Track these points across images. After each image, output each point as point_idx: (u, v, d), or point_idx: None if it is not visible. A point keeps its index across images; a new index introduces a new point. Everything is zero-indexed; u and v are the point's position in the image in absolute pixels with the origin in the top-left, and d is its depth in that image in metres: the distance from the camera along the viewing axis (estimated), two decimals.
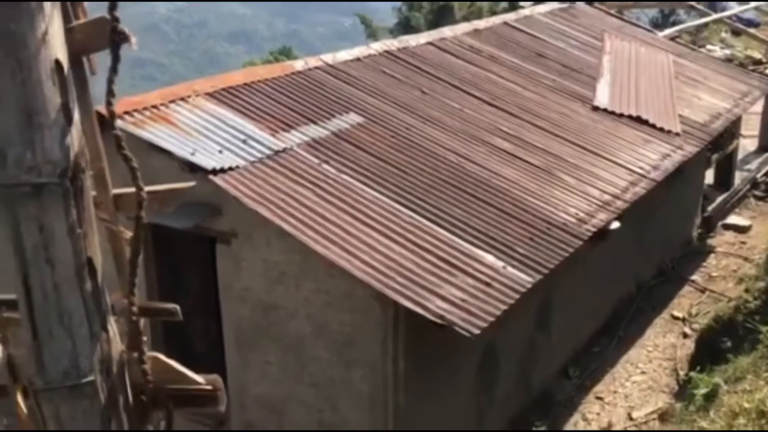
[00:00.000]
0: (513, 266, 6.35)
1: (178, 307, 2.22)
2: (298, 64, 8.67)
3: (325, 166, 6.96)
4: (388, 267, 5.91)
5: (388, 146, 7.59)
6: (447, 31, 10.94)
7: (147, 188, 1.91)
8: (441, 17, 43.23)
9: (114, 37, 1.80)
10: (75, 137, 1.75)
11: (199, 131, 6.88)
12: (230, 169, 6.48)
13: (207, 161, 6.46)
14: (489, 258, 6.34)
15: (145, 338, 1.99)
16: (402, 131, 7.95)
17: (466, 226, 6.66)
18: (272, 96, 7.80)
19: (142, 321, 2.01)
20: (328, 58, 8.97)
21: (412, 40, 10.24)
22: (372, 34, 46.31)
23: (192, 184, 2.46)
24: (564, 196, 7.66)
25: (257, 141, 6.97)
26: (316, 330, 6.52)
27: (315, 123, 7.60)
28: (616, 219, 7.68)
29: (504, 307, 5.85)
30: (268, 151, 6.88)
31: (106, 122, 1.95)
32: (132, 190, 1.91)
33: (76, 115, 1.78)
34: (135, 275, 1.91)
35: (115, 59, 1.83)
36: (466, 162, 7.73)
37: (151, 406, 2.00)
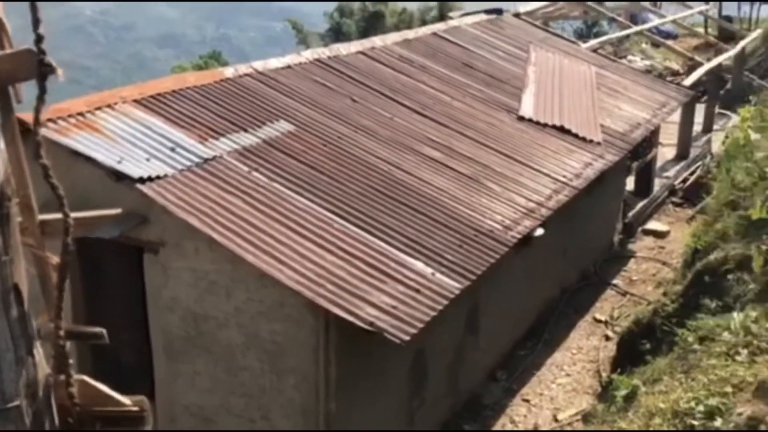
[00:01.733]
0: (442, 273, 6.46)
1: (104, 331, 2.20)
2: (228, 71, 8.61)
3: (256, 174, 6.94)
4: (319, 275, 5.93)
5: (319, 154, 7.62)
6: (377, 41, 11.03)
7: (74, 215, 1.89)
8: (372, 24, 43.54)
9: (41, 69, 1.79)
10: (0, 165, 1.72)
11: (127, 139, 6.76)
12: (158, 177, 6.39)
13: (134, 169, 6.36)
14: (418, 265, 6.43)
15: (71, 361, 1.96)
16: (333, 139, 7.98)
17: (396, 234, 6.74)
18: (201, 103, 7.72)
19: (68, 342, 1.98)
20: (259, 65, 8.94)
21: (343, 49, 10.29)
22: (303, 40, 46.19)
23: (118, 211, 2.43)
24: (491, 204, 7.83)
25: (186, 149, 6.89)
26: (247, 339, 6.49)
27: (245, 131, 7.56)
28: (540, 226, 7.89)
29: (433, 313, 5.94)
30: (196, 159, 6.81)
31: (33, 143, 1.92)
32: (59, 216, 1.89)
33: (1, 144, 1.75)
34: (62, 300, 1.88)
35: (42, 90, 1.81)
36: (397, 170, 7.81)
37: (78, 428, 1.98)
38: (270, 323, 6.35)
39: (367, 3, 44.26)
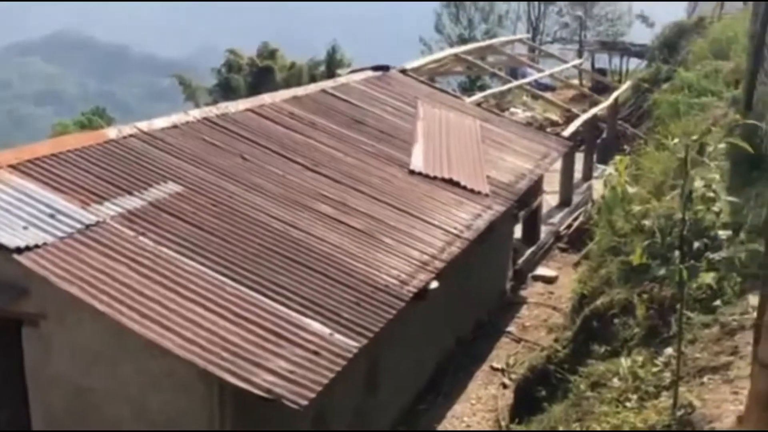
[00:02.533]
0: (340, 332, 6.37)
1: None
2: (112, 132, 8.35)
3: (142, 238, 6.69)
4: (212, 342, 5.73)
5: (209, 215, 7.44)
6: (267, 98, 11.01)
7: None
8: (261, 79, 43.57)
9: None
10: None
11: (2, 207, 6.39)
12: (37, 246, 6.05)
13: (10, 239, 6.00)
14: (316, 326, 6.33)
15: None
16: (223, 199, 7.83)
17: (292, 294, 6.62)
18: (83, 167, 7.42)
19: None
20: (144, 125, 8.72)
21: (232, 107, 10.21)
22: (191, 95, 45.66)
23: None
24: (386, 259, 7.85)
25: (66, 215, 6.58)
26: (135, 413, 6.15)
27: (130, 194, 7.31)
28: (434, 278, 7.97)
29: (331, 376, 5.83)
30: (78, 226, 6.51)
31: None
32: None
33: None
34: None
35: None
36: (291, 228, 7.73)
37: None
38: (159, 395, 6.05)
39: (256, 59, 44.39)
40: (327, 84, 12.88)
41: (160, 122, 8.92)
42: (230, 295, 6.31)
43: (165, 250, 6.63)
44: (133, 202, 7.16)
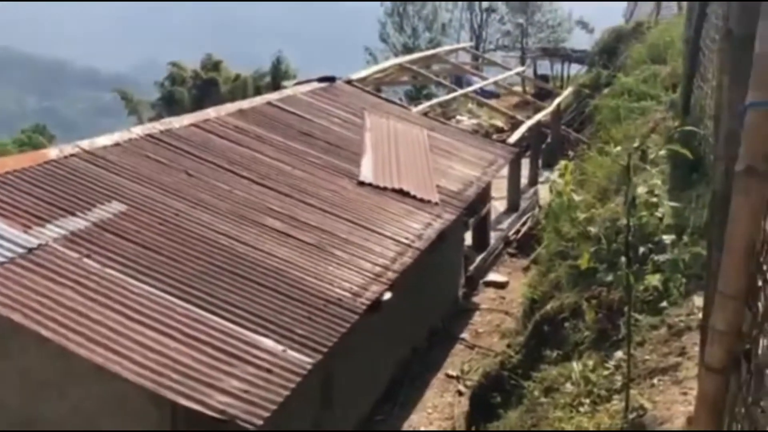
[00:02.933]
0: (293, 348, 6.31)
1: None
2: (52, 153, 8.14)
3: (87, 260, 6.53)
4: (163, 365, 5.61)
5: (156, 234, 7.31)
6: (211, 112, 10.89)
7: None
8: (205, 92, 43.17)
9: None
10: None
11: None
12: None
13: None
14: (268, 343, 6.26)
15: None
16: (170, 217, 7.70)
17: (243, 312, 6.53)
18: (23, 188, 7.22)
19: None
20: (85, 144, 8.53)
21: (176, 122, 10.06)
22: (134, 110, 44.98)
23: None
24: (338, 272, 7.81)
25: (6, 239, 6.37)
26: None
27: (73, 215, 7.13)
28: (388, 289, 7.96)
29: (286, 393, 5.76)
30: (19, 250, 6.31)
31: None
32: None
33: None
34: None
35: None
36: (239, 244, 7.64)
37: None
38: (111, 420, 5.90)
39: (200, 71, 43.95)
40: (273, 96, 12.80)
41: (103, 140, 8.74)
42: (180, 315, 6.20)
43: (111, 271, 6.48)
44: (76, 224, 6.99)
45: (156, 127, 9.69)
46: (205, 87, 42.64)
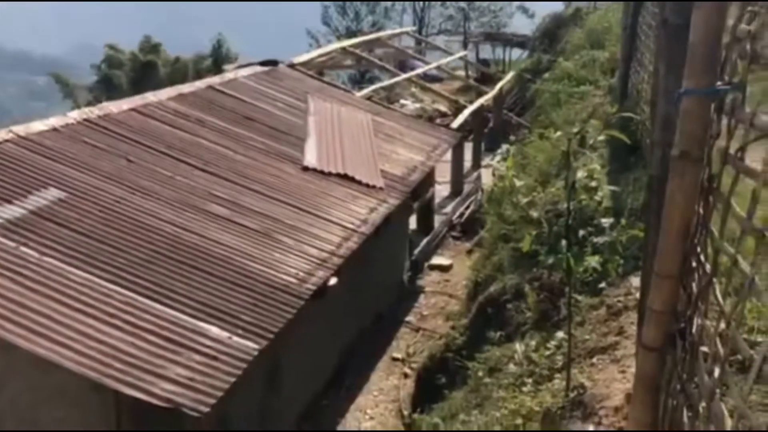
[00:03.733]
0: (239, 335, 6.28)
1: None
2: None
3: (24, 249, 6.36)
4: (106, 354, 5.52)
5: (96, 222, 7.16)
6: (150, 96, 10.66)
7: None
8: (144, 74, 42.19)
9: None
10: None
11: None
12: None
13: None
14: (214, 330, 6.21)
15: None
16: (110, 204, 7.55)
17: (188, 300, 6.46)
18: None
19: None
20: (20, 129, 8.28)
21: (114, 107, 9.83)
22: (69, 93, 43.67)
23: None
24: (284, 258, 7.78)
25: None
26: None
27: (9, 202, 6.92)
28: (334, 275, 7.97)
29: (232, 380, 5.74)
30: None
31: None
32: None
33: None
34: None
35: None
36: (183, 232, 7.54)
37: None
38: (53, 411, 5.79)
39: (137, 53, 42.89)
40: (214, 80, 12.61)
41: (38, 125, 8.49)
42: (122, 303, 6.10)
43: (50, 260, 6.33)
44: (12, 212, 6.79)
45: (94, 111, 9.45)
46: (143, 70, 41.68)
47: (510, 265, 7.81)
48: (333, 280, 7.87)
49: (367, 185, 10.25)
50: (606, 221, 4.52)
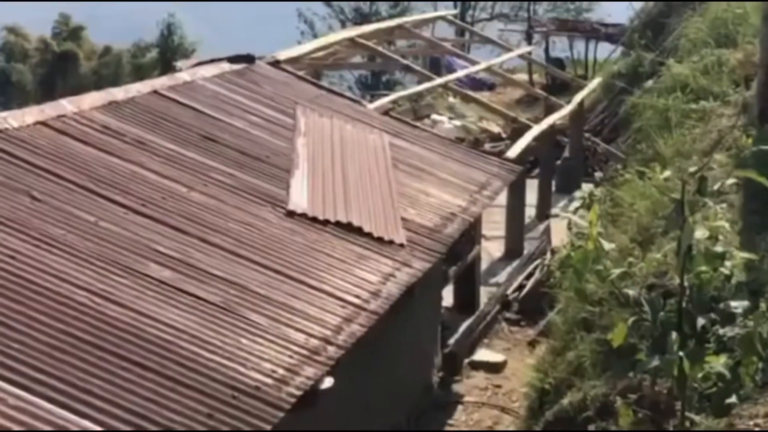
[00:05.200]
0: None
1: None
2: None
3: None
4: None
5: None
6: (67, 105, 10.79)
7: None
8: (59, 70, 43.01)
9: None
10: None
11: None
12: None
13: None
14: None
15: None
16: (3, 261, 7.63)
17: (110, 406, 6.45)
18: None
19: None
20: None
21: (14, 119, 9.95)
22: None
23: None
24: (255, 346, 7.78)
25: None
26: None
27: None
28: (328, 373, 7.95)
29: None
30: None
31: None
32: None
33: None
34: None
35: None
36: (108, 304, 7.57)
37: None
38: None
39: (50, 41, 43.69)
40: (161, 82, 12.79)
41: None
42: (14, 410, 6.11)
43: None
44: None
45: None
46: (58, 64, 42.42)
47: (594, 367, 7.76)
48: (328, 381, 7.84)
49: (381, 240, 10.28)
50: (738, 304, 4.49)
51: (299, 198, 10.56)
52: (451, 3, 42.62)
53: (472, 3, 44.28)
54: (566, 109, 20.76)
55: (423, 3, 43.22)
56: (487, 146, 22.66)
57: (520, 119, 19.96)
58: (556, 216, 18.19)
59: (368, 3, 43.82)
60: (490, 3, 44.88)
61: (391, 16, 36.30)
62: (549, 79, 30.90)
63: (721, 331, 4.93)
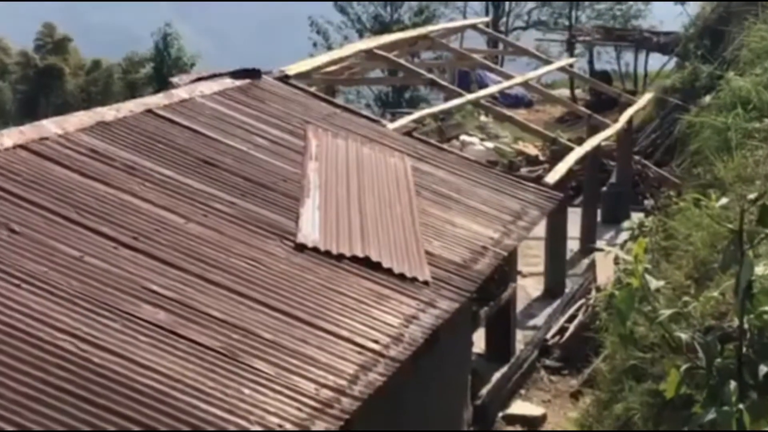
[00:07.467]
0: None
1: None
2: None
3: None
4: None
5: None
6: (51, 126, 10.88)
7: None
8: (42, 87, 43.34)
9: None
10: None
11: None
12: None
13: None
14: None
15: None
16: None
17: None
18: None
19: None
20: None
21: None
22: None
23: None
24: (259, 397, 7.78)
25: None
26: None
27: None
28: (343, 429, 7.94)
29: None
30: None
31: None
32: None
33: None
34: None
35: None
36: (93, 349, 7.60)
37: None
38: None
39: (33, 54, 44.06)
40: (156, 100, 12.87)
41: None
42: None
43: None
44: None
45: None
46: (41, 80, 42.77)
47: (644, 421, 7.72)
48: None
49: (403, 277, 10.28)
50: None
51: (310, 230, 10.57)
52: (483, 9, 42.75)
53: (507, 10, 44.35)
54: (613, 129, 20.72)
55: (450, 10, 43.33)
56: (523, 171, 22.66)
57: (560, 140, 19.93)
58: (602, 250, 18.12)
59: (389, 10, 43.98)
60: (526, 9, 44.96)
61: (414, 25, 36.38)
62: (593, 94, 30.90)
63: None
